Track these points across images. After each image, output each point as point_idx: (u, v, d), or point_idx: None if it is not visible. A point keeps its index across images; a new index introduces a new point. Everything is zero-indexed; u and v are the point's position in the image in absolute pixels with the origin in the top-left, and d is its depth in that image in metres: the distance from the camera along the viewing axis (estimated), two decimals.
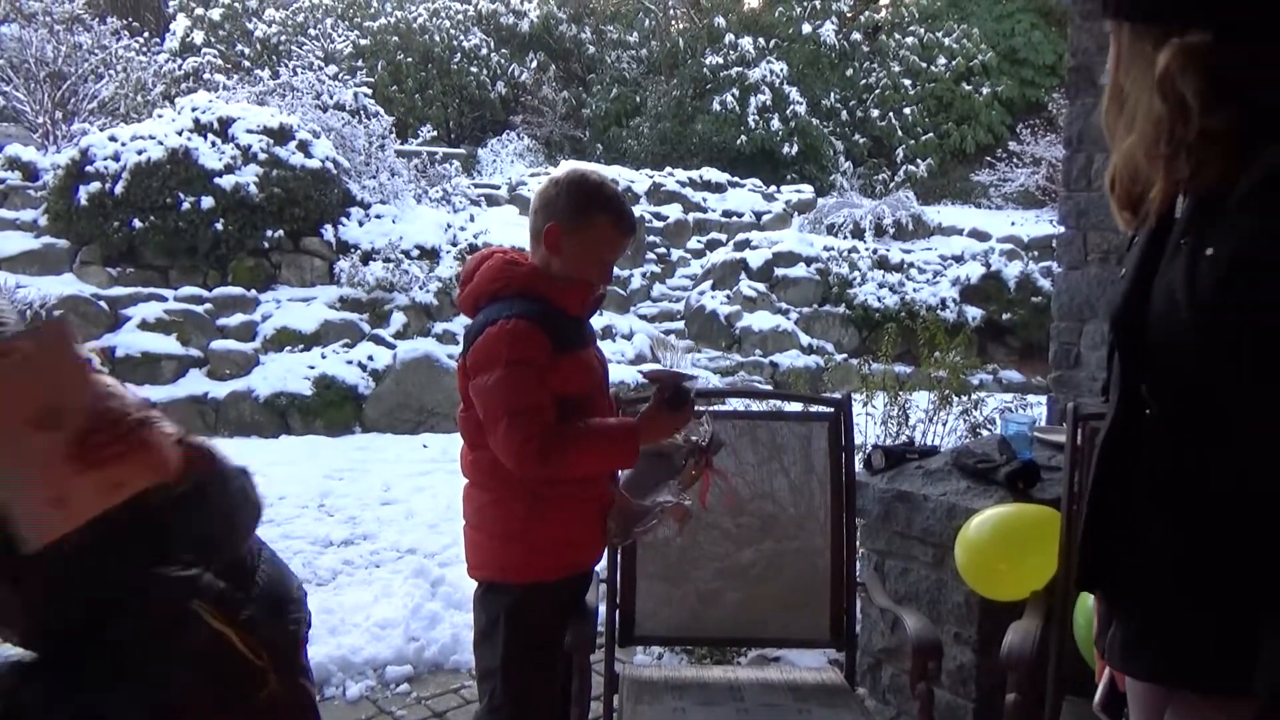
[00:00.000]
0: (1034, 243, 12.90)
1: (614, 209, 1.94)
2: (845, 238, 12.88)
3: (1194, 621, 1.13)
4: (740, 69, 18.69)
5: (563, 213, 1.91)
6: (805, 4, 20.73)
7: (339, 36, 18.73)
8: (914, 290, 11.69)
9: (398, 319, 9.56)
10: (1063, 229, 3.31)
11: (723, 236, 14.00)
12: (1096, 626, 1.33)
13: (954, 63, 19.57)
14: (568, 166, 2.04)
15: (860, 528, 2.69)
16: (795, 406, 3.05)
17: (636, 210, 13.88)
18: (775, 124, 17.98)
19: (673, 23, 22.07)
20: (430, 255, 10.27)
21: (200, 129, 10.11)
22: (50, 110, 12.69)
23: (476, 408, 1.88)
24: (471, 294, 1.96)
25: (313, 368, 8.81)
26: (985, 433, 4.36)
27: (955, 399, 4.55)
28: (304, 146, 10.45)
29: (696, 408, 2.03)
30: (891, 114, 19.51)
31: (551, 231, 1.91)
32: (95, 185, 9.43)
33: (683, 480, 2.00)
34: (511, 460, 1.81)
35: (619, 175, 14.72)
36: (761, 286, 11.90)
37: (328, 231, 10.39)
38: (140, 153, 9.59)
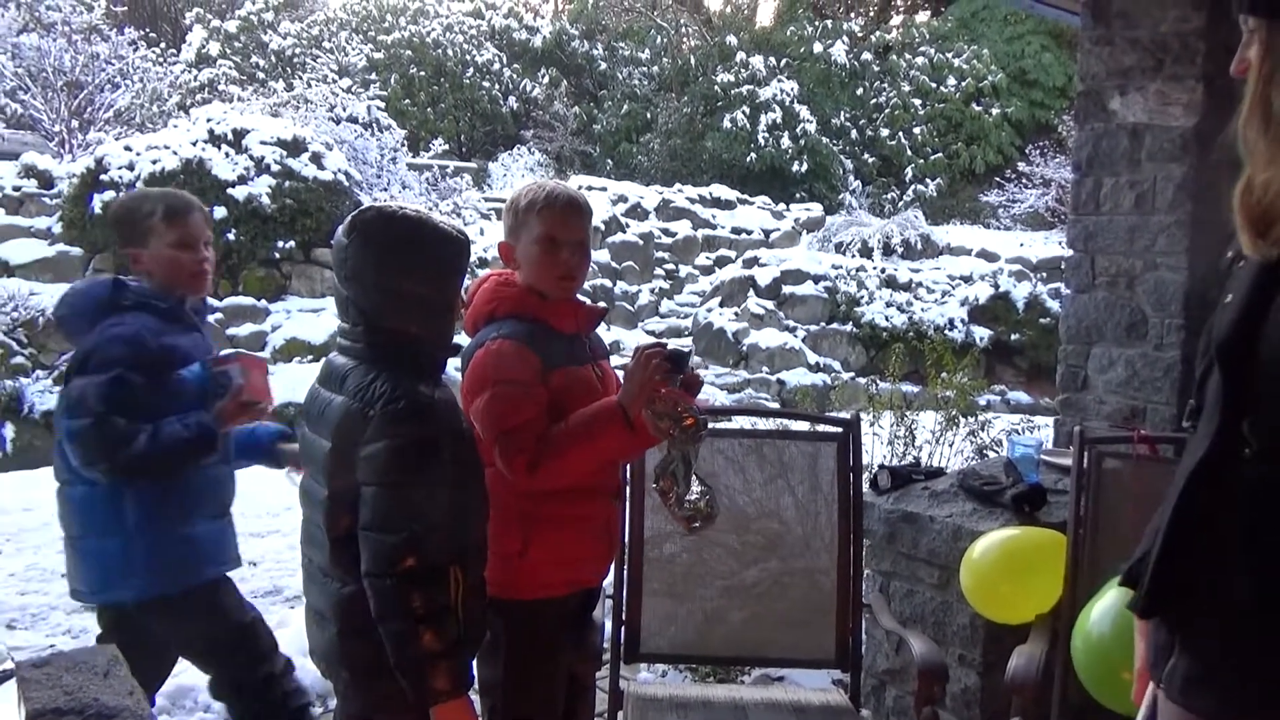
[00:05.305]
0: (1042, 264, 12.91)
1: (540, 196, 1.94)
2: (853, 256, 12.89)
3: (1267, 665, 1.08)
4: (751, 87, 18.78)
5: (507, 228, 1.98)
6: (817, 24, 20.86)
7: (353, 50, 18.90)
8: (922, 310, 11.69)
9: None
10: (1071, 252, 3.31)
11: (731, 253, 14.05)
12: (1150, 655, 1.25)
13: (964, 83, 19.64)
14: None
15: (865, 548, 2.68)
16: (802, 425, 3.04)
17: (645, 226, 13.98)
18: (785, 142, 18.05)
19: (684, 40, 22.22)
20: None
21: (214, 140, 10.21)
22: (67, 119, 12.82)
23: (477, 429, 1.89)
24: (470, 317, 2.00)
25: None
26: (992, 454, 4.35)
27: (962, 420, 4.55)
28: (317, 158, 10.53)
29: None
30: (901, 133, 19.57)
31: (504, 250, 1.98)
32: (110, 194, 9.52)
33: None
34: (510, 476, 1.83)
35: (628, 191, 14.79)
36: (769, 304, 11.91)
37: None
38: (155, 162, 9.69)
